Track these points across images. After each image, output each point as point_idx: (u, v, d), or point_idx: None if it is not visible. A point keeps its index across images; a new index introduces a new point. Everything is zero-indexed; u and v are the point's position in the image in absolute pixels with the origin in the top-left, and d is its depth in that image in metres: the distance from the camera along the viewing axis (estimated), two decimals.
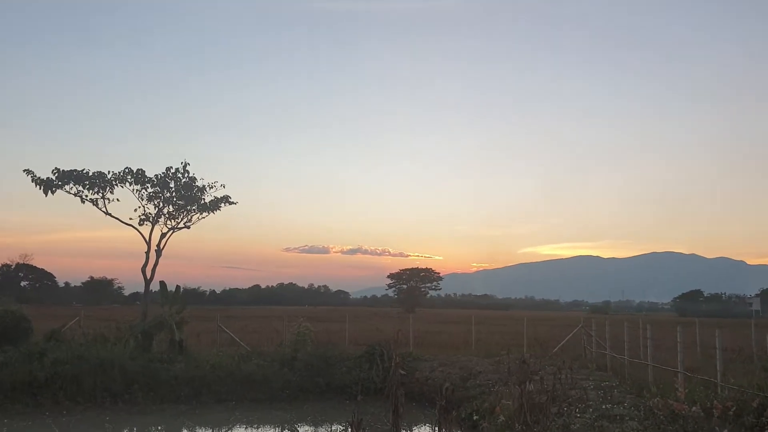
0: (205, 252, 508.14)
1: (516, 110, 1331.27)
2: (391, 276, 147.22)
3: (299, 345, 23.55)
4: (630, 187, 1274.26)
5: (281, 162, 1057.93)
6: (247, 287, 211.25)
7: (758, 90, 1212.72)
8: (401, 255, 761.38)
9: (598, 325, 26.48)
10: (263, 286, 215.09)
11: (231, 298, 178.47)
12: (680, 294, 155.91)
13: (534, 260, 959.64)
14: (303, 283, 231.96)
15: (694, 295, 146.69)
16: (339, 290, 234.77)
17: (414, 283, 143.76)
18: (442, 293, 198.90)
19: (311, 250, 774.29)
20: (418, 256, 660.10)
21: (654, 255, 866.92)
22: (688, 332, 21.14)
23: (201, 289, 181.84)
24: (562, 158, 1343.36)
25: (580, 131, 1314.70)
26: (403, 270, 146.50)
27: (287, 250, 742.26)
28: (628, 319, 25.28)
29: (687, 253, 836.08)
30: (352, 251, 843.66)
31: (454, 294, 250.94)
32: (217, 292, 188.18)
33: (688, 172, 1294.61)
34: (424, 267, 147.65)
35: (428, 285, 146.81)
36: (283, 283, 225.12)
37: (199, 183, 28.76)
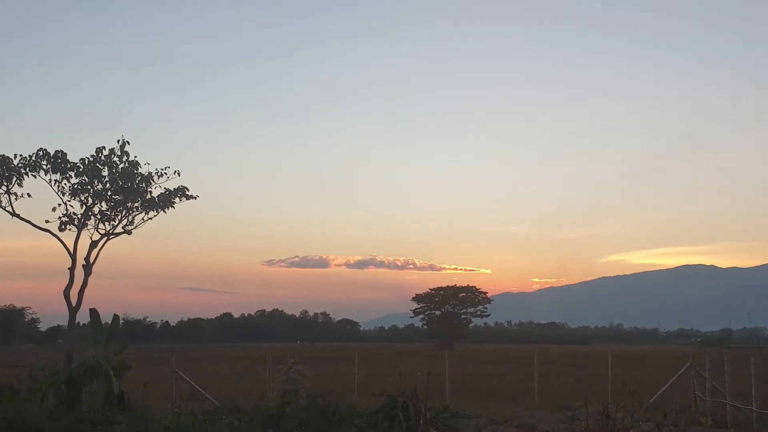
0: (155, 268, 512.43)
1: (600, 66, 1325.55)
2: (417, 298, 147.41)
3: (289, 397, 23.54)
4: (758, 170, 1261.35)
5: (260, 141, 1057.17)
6: (213, 317, 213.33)
7: None
8: (432, 268, 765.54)
9: (714, 363, 26.26)
10: (236, 315, 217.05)
11: (192, 332, 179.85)
12: None
13: (622, 272, 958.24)
14: (293, 310, 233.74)
15: None
16: (344, 319, 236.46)
17: (451, 308, 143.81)
18: (491, 321, 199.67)
19: (304, 263, 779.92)
20: (455, 269, 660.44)
21: None
22: None
23: (149, 320, 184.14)
24: (663, 132, 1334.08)
25: (689, 96, 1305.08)
26: (435, 289, 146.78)
27: (270, 263, 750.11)
28: (757, 354, 25.07)
29: None
30: (362, 264, 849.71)
31: (509, 322, 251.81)
32: (172, 323, 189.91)
33: None
34: (464, 285, 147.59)
35: (471, 310, 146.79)
36: (264, 311, 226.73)
37: (143, 170, 28.94)
